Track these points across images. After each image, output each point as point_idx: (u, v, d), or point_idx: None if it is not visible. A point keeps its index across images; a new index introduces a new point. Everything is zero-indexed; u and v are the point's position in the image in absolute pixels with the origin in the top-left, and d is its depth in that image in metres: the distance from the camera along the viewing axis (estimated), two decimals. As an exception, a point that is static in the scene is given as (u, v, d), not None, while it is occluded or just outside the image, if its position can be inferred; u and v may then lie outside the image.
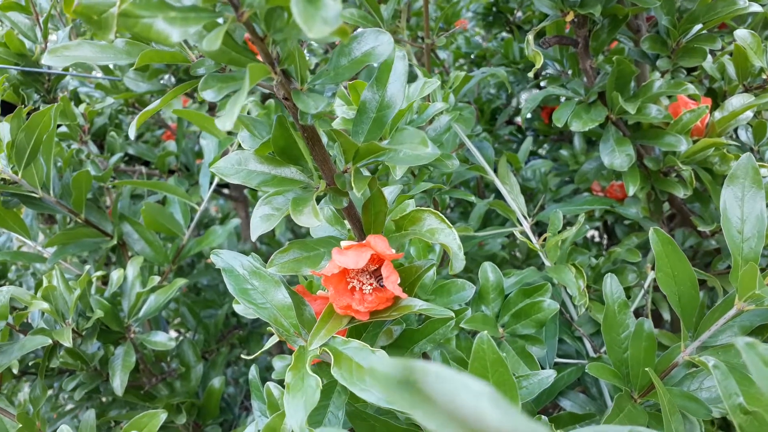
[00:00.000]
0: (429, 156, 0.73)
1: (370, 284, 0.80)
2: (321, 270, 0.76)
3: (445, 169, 1.28)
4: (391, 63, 0.73)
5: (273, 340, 0.99)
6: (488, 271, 1.21)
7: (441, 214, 0.78)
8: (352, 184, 0.71)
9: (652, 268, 1.58)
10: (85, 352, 1.51)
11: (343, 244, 0.77)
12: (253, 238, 0.73)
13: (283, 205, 0.74)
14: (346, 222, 0.91)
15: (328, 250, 0.82)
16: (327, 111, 0.64)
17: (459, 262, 0.77)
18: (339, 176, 0.74)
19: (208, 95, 0.57)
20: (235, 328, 2.13)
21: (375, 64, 0.66)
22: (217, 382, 1.75)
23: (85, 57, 0.65)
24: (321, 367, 0.92)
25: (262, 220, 0.73)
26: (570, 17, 1.41)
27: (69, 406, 2.04)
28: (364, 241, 0.77)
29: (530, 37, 1.45)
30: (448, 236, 0.78)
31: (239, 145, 1.57)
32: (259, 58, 0.60)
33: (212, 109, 2.13)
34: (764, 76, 1.59)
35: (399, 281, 0.76)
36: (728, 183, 0.97)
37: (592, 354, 1.51)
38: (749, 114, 1.57)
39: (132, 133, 0.67)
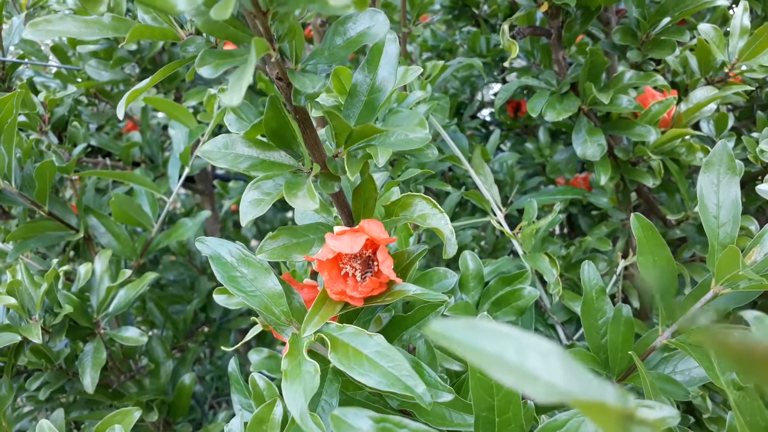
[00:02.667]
0: (421, 140, 0.73)
1: (363, 270, 0.79)
2: (315, 255, 0.75)
3: (424, 158, 1.27)
4: (383, 45, 0.72)
5: (256, 330, 0.97)
6: (468, 259, 1.21)
7: (432, 200, 0.78)
8: (346, 168, 0.70)
9: (623, 257, 1.60)
10: (50, 350, 1.46)
11: (336, 229, 0.76)
12: (243, 223, 0.72)
13: (273, 190, 0.72)
14: (332, 209, 0.90)
15: (318, 236, 0.81)
16: (318, 93, 0.63)
17: (452, 247, 0.77)
18: (330, 160, 0.73)
19: (206, 72, 0.55)
20: (203, 324, 2.09)
21: (369, 45, 0.65)
22: (187, 378, 1.72)
23: (68, 32, 0.62)
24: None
25: (251, 205, 0.72)
26: (545, 8, 1.42)
27: (27, 408, 1.98)
28: (356, 227, 0.76)
29: (505, 27, 1.45)
30: (440, 221, 0.77)
31: (211, 134, 1.54)
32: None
33: (178, 99, 2.09)
34: (726, 70, 1.62)
35: (393, 266, 0.75)
36: (704, 170, 0.99)
37: (565, 341, 1.53)
38: (713, 106, 1.61)
39: (120, 113, 0.64)
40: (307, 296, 0.89)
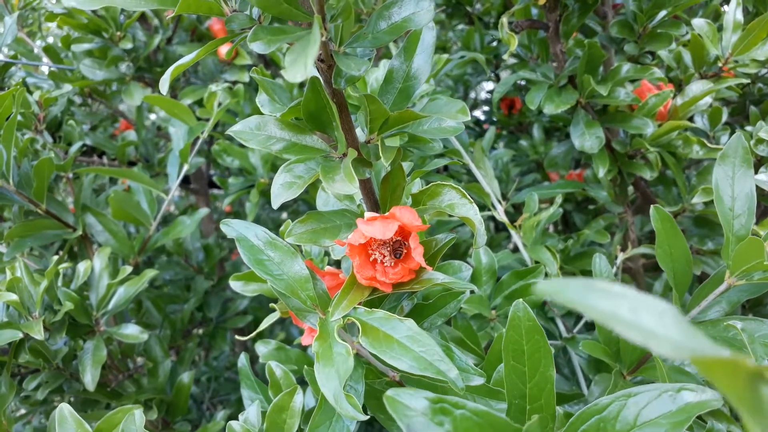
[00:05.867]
0: (454, 129, 0.73)
1: (392, 256, 0.79)
2: (347, 240, 0.75)
3: (429, 151, 1.27)
4: (420, 33, 0.73)
5: (273, 318, 0.97)
6: (481, 253, 1.21)
7: (461, 189, 0.78)
8: (381, 155, 0.70)
9: (621, 250, 1.62)
10: (48, 349, 1.44)
11: (367, 215, 0.76)
12: (275, 205, 0.71)
13: (305, 174, 0.72)
14: (355, 197, 0.90)
15: (345, 222, 0.81)
16: (360, 77, 0.63)
17: (482, 237, 0.77)
18: (363, 146, 0.73)
19: (257, 47, 0.55)
20: (200, 324, 2.07)
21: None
22: (186, 377, 1.70)
23: (113, 1, 0.61)
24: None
25: (283, 188, 0.71)
26: (543, 1, 1.43)
27: (21, 411, 1.95)
28: (387, 213, 0.76)
29: (504, 20, 1.47)
30: (469, 211, 0.77)
31: (210, 131, 1.52)
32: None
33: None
34: (719, 64, 1.65)
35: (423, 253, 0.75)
36: (719, 162, 1.00)
37: (565, 334, 1.54)
38: (708, 100, 1.63)
39: (164, 89, 0.63)
40: (328, 283, 0.89)
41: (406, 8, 0.65)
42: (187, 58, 0.62)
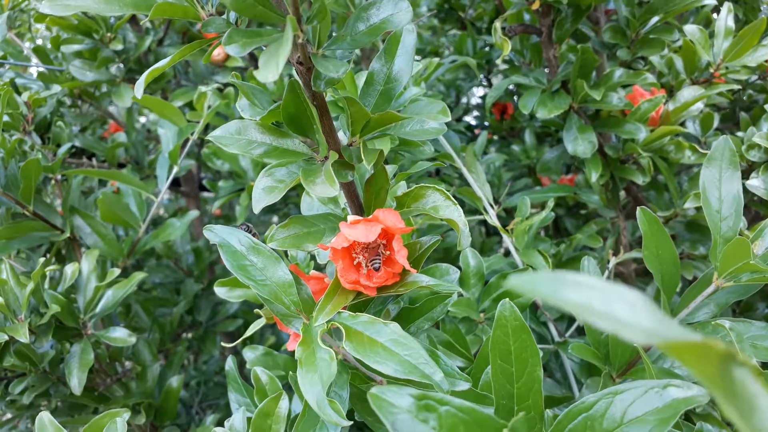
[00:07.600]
0: (436, 130, 0.73)
1: (375, 259, 0.78)
2: (330, 244, 0.74)
3: (420, 155, 1.27)
4: (400, 35, 0.72)
5: (259, 324, 0.96)
6: (469, 256, 1.21)
7: (445, 191, 0.77)
8: (362, 157, 0.69)
9: (614, 255, 1.61)
10: (35, 352, 1.43)
11: (350, 218, 0.75)
12: (256, 210, 0.71)
13: (287, 177, 0.71)
14: (339, 201, 0.89)
15: (328, 226, 0.80)
16: (339, 79, 0.62)
17: (466, 239, 0.76)
18: (345, 149, 0.72)
19: (233, 50, 0.55)
20: (190, 327, 2.06)
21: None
22: (175, 381, 1.69)
23: (87, 7, 0.60)
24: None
25: (264, 192, 0.71)
26: (536, 5, 1.43)
27: (7, 416, 1.93)
28: (370, 216, 0.75)
29: (497, 25, 1.46)
30: (453, 213, 0.77)
31: (201, 133, 1.52)
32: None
33: (165, 99, 2.06)
34: (711, 70, 1.65)
35: (407, 255, 0.74)
36: (706, 165, 0.99)
37: (557, 338, 1.53)
38: (700, 105, 1.63)
39: (139, 93, 0.62)
40: (313, 287, 0.88)
41: (384, 10, 0.64)
42: (163, 62, 0.61)
